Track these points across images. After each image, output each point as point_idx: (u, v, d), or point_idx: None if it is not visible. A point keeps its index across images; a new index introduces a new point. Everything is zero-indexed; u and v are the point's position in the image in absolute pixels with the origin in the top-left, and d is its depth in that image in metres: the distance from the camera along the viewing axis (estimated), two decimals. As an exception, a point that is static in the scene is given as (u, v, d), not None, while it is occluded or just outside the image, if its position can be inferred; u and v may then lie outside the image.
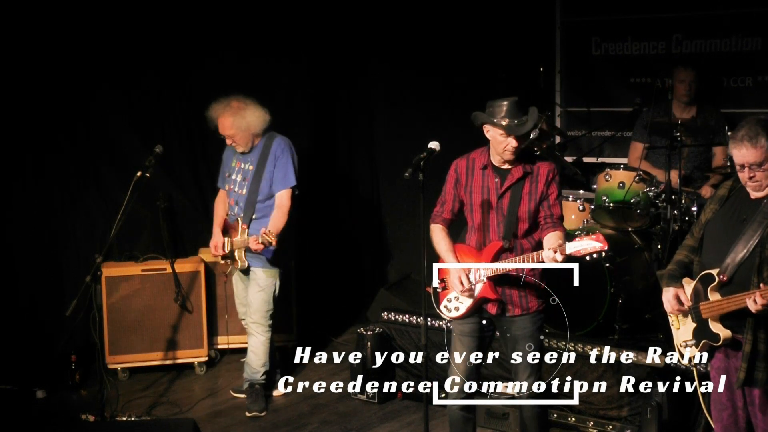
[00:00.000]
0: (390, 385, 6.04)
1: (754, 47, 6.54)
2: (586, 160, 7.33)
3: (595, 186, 6.14)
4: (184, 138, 6.88)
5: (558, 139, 7.04)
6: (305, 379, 6.45)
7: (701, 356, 4.02)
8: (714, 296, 3.89)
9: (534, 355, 4.44)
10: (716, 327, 3.89)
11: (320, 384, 6.33)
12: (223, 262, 5.99)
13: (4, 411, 5.83)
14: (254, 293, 5.84)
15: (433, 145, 4.15)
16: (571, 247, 4.10)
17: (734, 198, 3.98)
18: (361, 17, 7.58)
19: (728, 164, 6.04)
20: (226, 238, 5.83)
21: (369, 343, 5.98)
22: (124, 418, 5.59)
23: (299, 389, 6.25)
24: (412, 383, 5.94)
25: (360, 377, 5.98)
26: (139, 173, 5.31)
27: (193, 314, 6.41)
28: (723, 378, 4.01)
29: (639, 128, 6.50)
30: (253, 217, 5.73)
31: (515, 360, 4.47)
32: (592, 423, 5.37)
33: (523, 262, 4.27)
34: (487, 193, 4.39)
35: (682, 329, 4.08)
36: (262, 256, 5.72)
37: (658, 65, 6.68)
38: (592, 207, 6.09)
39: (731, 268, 3.83)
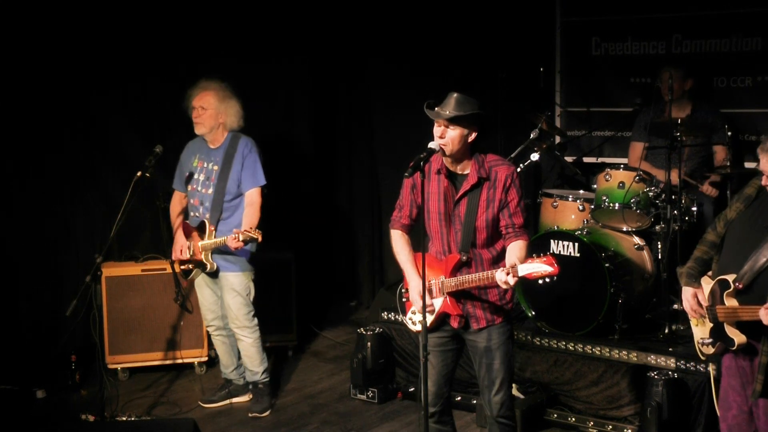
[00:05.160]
0: (390, 385, 6.05)
1: (754, 47, 6.53)
2: (586, 160, 7.33)
3: (595, 186, 6.14)
4: (185, 138, 6.87)
5: (558, 139, 7.04)
6: (305, 379, 6.46)
7: (716, 354, 4.02)
8: (730, 302, 3.85)
9: (501, 367, 4.23)
10: (732, 332, 3.86)
11: (320, 384, 6.34)
12: (183, 267, 5.76)
13: (4, 411, 5.83)
14: (231, 299, 5.71)
15: (433, 145, 4.11)
16: (523, 270, 3.86)
17: (761, 200, 3.93)
18: (361, 17, 7.59)
19: (728, 164, 6.05)
20: (189, 242, 5.71)
21: (369, 343, 5.99)
22: (124, 418, 5.59)
23: (299, 389, 6.25)
24: (412, 383, 5.95)
25: (360, 377, 5.98)
26: (139, 173, 5.32)
27: (193, 314, 6.39)
28: (733, 379, 4.00)
29: (638, 128, 6.50)
30: (221, 217, 5.64)
31: (481, 374, 4.29)
32: (592, 423, 5.37)
33: (478, 280, 4.08)
34: (443, 199, 4.18)
35: (701, 327, 4.06)
36: (233, 260, 5.63)
37: (658, 65, 6.67)
38: (592, 207, 6.09)
39: (749, 276, 3.79)
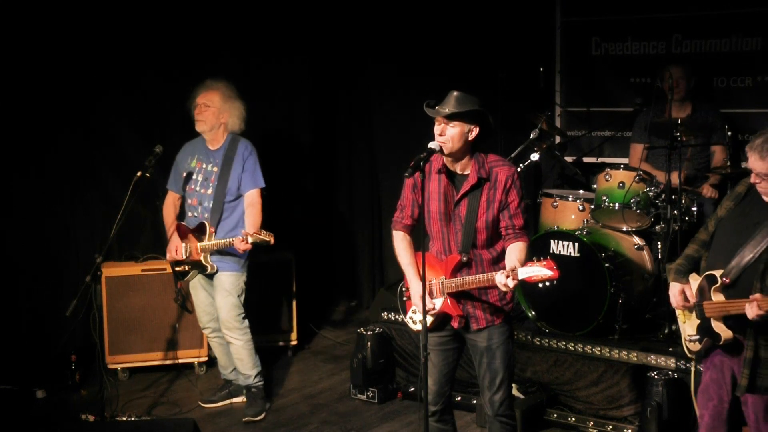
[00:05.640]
0: (390, 385, 6.05)
1: (754, 47, 6.54)
2: (586, 160, 7.33)
3: (595, 186, 6.14)
4: (185, 138, 6.88)
5: (558, 139, 7.05)
6: (305, 379, 6.46)
7: (702, 351, 4.04)
8: (717, 297, 3.89)
9: (501, 366, 4.23)
10: (718, 327, 3.90)
11: (320, 384, 6.34)
12: (178, 269, 5.75)
13: (4, 411, 5.83)
14: (222, 299, 5.67)
15: (433, 145, 4.11)
16: (523, 273, 3.85)
17: (750, 198, 3.96)
18: (362, 17, 7.59)
19: (728, 164, 6.05)
20: (185, 243, 5.67)
21: (369, 343, 5.99)
22: (124, 418, 5.59)
23: (299, 389, 6.25)
24: (412, 383, 5.95)
25: (360, 377, 5.98)
26: (139, 173, 5.31)
27: (193, 314, 6.40)
28: (715, 372, 4.02)
29: (638, 129, 6.50)
30: (221, 218, 5.61)
31: (481, 373, 4.28)
32: (592, 423, 5.37)
33: (478, 282, 4.08)
34: (443, 199, 4.18)
35: (688, 323, 4.10)
36: (227, 260, 5.61)
37: (658, 65, 6.67)
38: (592, 207, 6.09)
39: (735, 271, 3.83)
